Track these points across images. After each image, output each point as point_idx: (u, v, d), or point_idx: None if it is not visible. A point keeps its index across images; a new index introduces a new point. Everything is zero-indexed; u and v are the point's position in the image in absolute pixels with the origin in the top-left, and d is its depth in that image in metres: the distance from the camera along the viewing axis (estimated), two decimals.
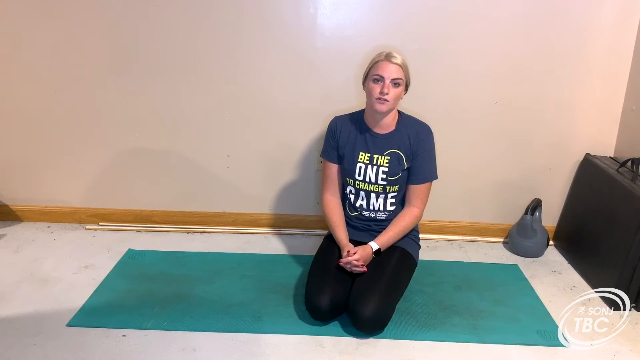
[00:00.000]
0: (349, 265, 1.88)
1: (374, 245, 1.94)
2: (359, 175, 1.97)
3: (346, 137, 1.99)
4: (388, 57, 1.83)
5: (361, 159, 1.96)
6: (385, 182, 1.95)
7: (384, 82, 1.81)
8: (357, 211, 2.03)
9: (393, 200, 1.99)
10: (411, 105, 2.19)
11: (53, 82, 2.40)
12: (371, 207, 2.00)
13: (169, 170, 2.55)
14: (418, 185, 1.97)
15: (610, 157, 2.44)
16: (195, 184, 2.57)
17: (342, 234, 1.98)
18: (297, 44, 2.34)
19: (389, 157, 1.94)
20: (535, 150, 2.48)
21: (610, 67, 2.34)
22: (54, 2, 2.28)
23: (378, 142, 1.95)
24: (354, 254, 1.88)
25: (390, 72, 1.81)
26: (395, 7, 2.29)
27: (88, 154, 2.52)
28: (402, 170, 1.95)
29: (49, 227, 2.60)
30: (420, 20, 2.29)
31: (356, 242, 1.99)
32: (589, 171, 2.40)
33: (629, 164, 2.22)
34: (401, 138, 1.94)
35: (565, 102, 2.40)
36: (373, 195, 1.98)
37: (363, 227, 2.04)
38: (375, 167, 1.95)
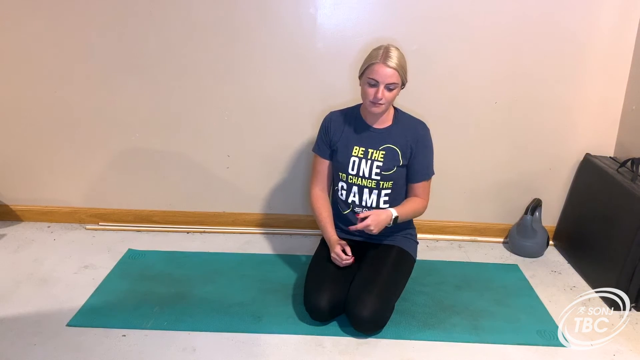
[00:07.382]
0: (360, 227, 1.82)
1: (393, 212, 1.88)
2: (353, 169, 1.94)
3: (340, 132, 1.97)
4: (384, 59, 1.78)
5: (355, 152, 1.94)
6: (379, 177, 1.93)
7: (378, 87, 1.79)
8: (349, 208, 2.00)
9: (387, 198, 1.96)
10: (411, 105, 2.19)
11: (53, 82, 2.40)
12: (364, 204, 1.97)
13: (169, 170, 2.55)
14: (421, 183, 1.96)
15: (610, 157, 2.43)
16: (195, 184, 2.57)
17: (331, 231, 1.99)
18: (297, 44, 2.34)
19: (384, 152, 1.92)
20: (535, 150, 2.47)
21: (610, 67, 2.34)
22: (55, 2, 2.28)
23: (374, 136, 1.94)
24: (365, 218, 1.82)
25: (385, 76, 1.78)
26: (395, 7, 2.29)
27: (88, 154, 2.52)
28: (398, 166, 1.93)
29: (49, 227, 2.59)
30: (420, 20, 2.29)
31: (348, 242, 1.98)
32: (589, 171, 2.40)
33: (629, 164, 2.22)
34: (398, 134, 1.93)
35: (565, 102, 2.40)
36: (366, 191, 1.96)
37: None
38: (369, 162, 1.93)
